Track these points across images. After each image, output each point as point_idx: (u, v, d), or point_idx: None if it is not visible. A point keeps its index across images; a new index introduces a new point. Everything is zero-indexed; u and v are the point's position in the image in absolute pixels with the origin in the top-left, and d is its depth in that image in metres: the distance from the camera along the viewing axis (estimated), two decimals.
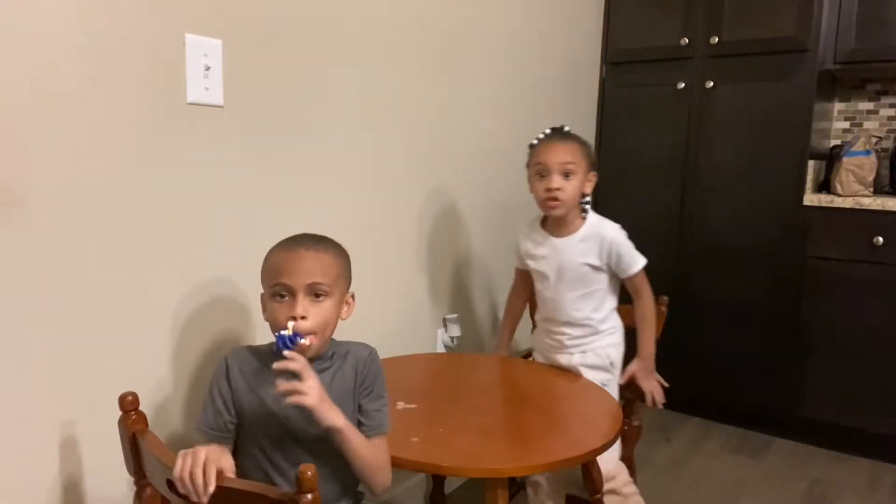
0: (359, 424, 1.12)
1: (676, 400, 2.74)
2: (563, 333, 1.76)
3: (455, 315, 2.13)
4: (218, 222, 1.39)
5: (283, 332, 1.06)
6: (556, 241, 1.72)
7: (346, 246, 1.18)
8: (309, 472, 0.80)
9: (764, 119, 2.51)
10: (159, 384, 1.32)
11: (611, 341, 1.75)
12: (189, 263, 1.34)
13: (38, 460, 1.14)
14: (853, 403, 2.42)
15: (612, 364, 1.74)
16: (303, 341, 1.07)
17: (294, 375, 1.03)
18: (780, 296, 2.52)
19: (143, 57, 1.22)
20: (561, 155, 1.63)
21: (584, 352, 1.74)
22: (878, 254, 2.33)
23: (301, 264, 1.08)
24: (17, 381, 1.10)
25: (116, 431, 1.03)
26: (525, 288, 1.89)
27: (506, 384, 1.74)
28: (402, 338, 1.94)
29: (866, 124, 2.76)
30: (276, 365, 1.03)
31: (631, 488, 1.69)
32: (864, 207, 2.34)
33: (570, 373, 1.73)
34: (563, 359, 1.77)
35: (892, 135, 2.70)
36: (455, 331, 2.11)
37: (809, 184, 2.49)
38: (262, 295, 1.15)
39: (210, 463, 0.88)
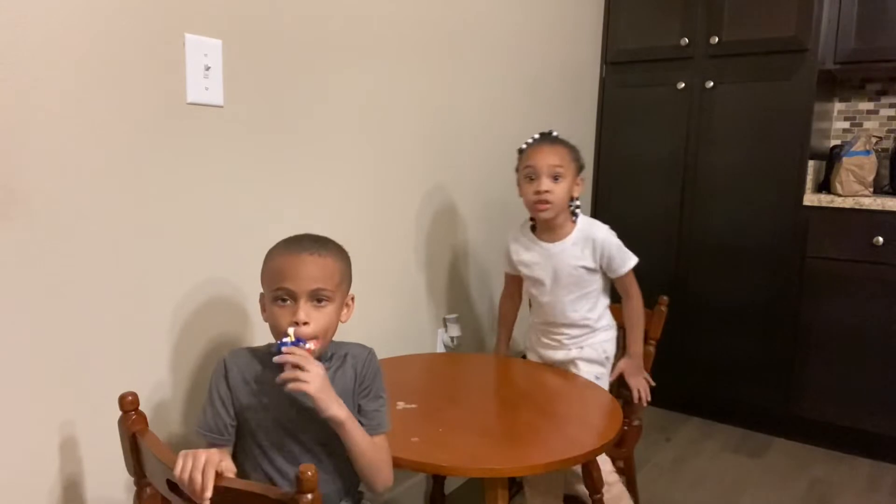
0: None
1: (676, 400, 2.78)
2: (562, 334, 1.79)
3: (455, 315, 2.13)
4: (218, 222, 1.39)
5: (285, 340, 1.06)
6: (549, 247, 1.74)
7: (346, 246, 1.18)
8: (309, 472, 0.80)
9: (764, 119, 2.51)
10: (159, 384, 1.32)
11: (606, 337, 1.80)
12: (189, 263, 1.34)
13: (38, 460, 1.15)
14: (853, 403, 2.42)
15: (607, 358, 1.79)
16: (307, 346, 1.07)
17: (296, 368, 1.03)
18: (780, 296, 2.52)
19: (143, 57, 1.22)
20: (550, 158, 1.66)
21: (581, 347, 1.78)
22: (878, 254, 2.33)
23: (304, 269, 1.08)
24: (17, 382, 1.10)
25: (116, 431, 1.03)
26: (517, 291, 1.90)
27: (506, 384, 1.74)
28: (402, 338, 1.94)
29: (866, 124, 2.76)
30: (277, 358, 1.03)
31: (613, 477, 1.70)
32: (864, 207, 2.34)
33: (570, 373, 1.74)
34: (561, 354, 1.79)
35: (892, 135, 2.70)
36: (455, 331, 2.11)
37: (809, 184, 2.49)
38: (262, 295, 1.15)
39: (209, 465, 0.88)
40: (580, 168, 1.72)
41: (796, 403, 2.54)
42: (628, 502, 1.73)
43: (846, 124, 2.80)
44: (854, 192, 2.42)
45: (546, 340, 1.83)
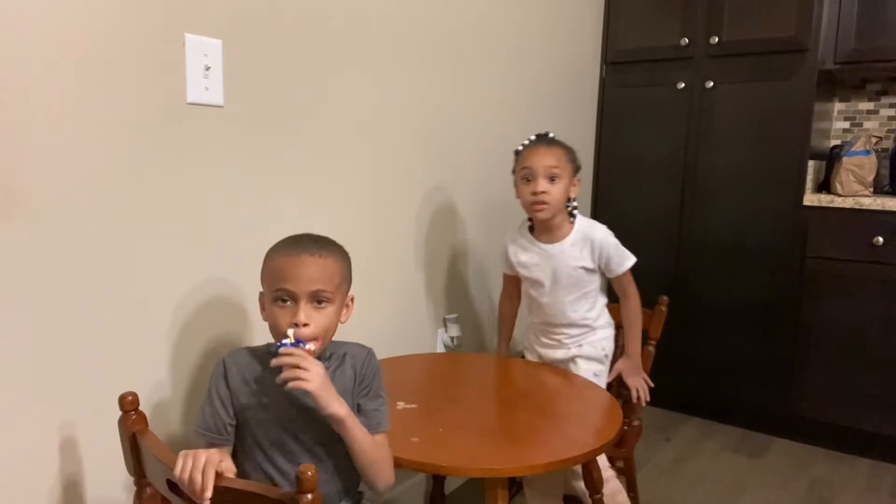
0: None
1: (676, 400, 2.78)
2: (562, 333, 1.80)
3: (455, 315, 2.13)
4: (217, 222, 1.39)
5: (284, 342, 1.06)
6: (548, 248, 1.74)
7: (346, 246, 1.18)
8: (309, 472, 0.80)
9: (764, 119, 2.51)
10: (159, 384, 1.32)
11: (605, 335, 1.82)
12: (188, 263, 1.34)
13: (38, 460, 1.15)
14: (853, 403, 2.42)
15: (605, 356, 1.81)
16: (307, 347, 1.07)
17: (295, 368, 1.03)
18: (780, 296, 2.52)
19: (143, 57, 1.22)
20: (546, 159, 1.66)
21: (580, 345, 1.79)
22: (878, 254, 2.33)
23: (304, 271, 1.08)
24: (17, 382, 1.10)
25: (116, 431, 1.03)
26: (516, 292, 1.91)
27: (506, 384, 1.74)
28: (403, 338, 1.94)
29: (866, 124, 2.76)
30: (274, 361, 1.03)
31: (609, 472, 1.70)
32: (864, 207, 2.34)
33: (570, 373, 1.74)
34: (560, 353, 1.81)
35: (892, 135, 2.70)
36: (455, 331, 2.11)
37: (809, 184, 2.49)
38: (261, 294, 1.15)
39: (209, 466, 0.88)
40: (577, 169, 1.73)
41: (796, 403, 2.54)
42: (624, 498, 1.73)
43: (846, 124, 2.80)
44: (854, 192, 2.42)
45: (545, 340, 1.84)
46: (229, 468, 0.99)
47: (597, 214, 2.91)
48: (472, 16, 2.07)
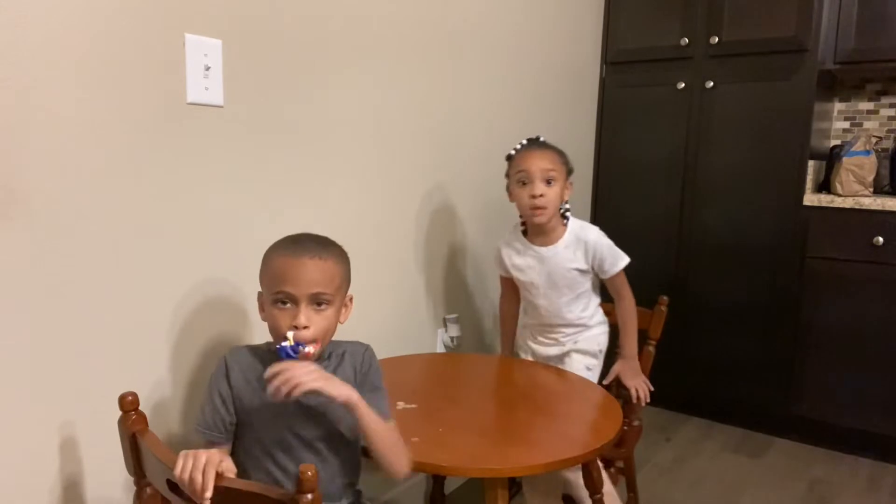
0: None
1: (676, 400, 2.77)
2: (559, 332, 1.83)
3: (455, 315, 2.13)
4: (217, 222, 1.39)
5: (284, 344, 1.06)
6: (542, 251, 1.76)
7: (345, 246, 1.18)
8: (309, 472, 0.80)
9: (764, 119, 2.51)
10: (159, 384, 1.32)
11: (600, 331, 1.85)
12: (188, 263, 1.34)
13: (38, 460, 1.15)
14: (853, 403, 2.42)
15: (600, 351, 1.84)
16: (307, 350, 1.07)
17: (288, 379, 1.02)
18: (780, 296, 2.52)
19: (143, 57, 1.22)
20: (542, 162, 1.68)
21: (575, 341, 1.82)
22: (878, 254, 2.33)
23: (305, 273, 1.08)
24: (17, 382, 1.10)
25: (116, 431, 1.03)
26: (514, 293, 1.92)
27: (506, 384, 1.74)
28: (402, 338, 1.94)
29: (866, 124, 2.76)
30: (267, 375, 1.03)
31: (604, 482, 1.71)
32: (864, 207, 2.34)
33: (570, 373, 1.74)
34: (555, 350, 1.84)
35: (892, 135, 2.70)
36: (455, 331, 2.12)
37: (809, 184, 2.49)
38: (260, 294, 1.15)
39: (210, 466, 0.88)
40: (570, 172, 1.75)
41: (796, 403, 2.54)
42: (617, 501, 1.73)
43: (846, 124, 2.80)
44: (854, 192, 2.42)
45: (542, 339, 1.87)
46: (229, 468, 0.99)
47: (597, 214, 2.92)
48: (472, 16, 2.07)
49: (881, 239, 2.31)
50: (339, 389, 1.04)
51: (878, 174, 2.48)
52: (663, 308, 1.84)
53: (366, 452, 1.20)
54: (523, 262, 1.80)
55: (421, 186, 1.97)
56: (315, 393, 1.03)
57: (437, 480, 1.87)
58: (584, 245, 1.73)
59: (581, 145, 2.81)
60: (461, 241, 2.18)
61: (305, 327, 1.07)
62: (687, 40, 2.63)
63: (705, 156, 2.65)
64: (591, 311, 1.82)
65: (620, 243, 1.78)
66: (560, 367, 1.79)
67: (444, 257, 2.11)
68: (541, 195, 1.66)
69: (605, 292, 1.86)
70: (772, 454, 2.50)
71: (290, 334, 1.06)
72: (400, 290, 1.94)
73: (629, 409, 1.72)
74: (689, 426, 2.72)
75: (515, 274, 1.82)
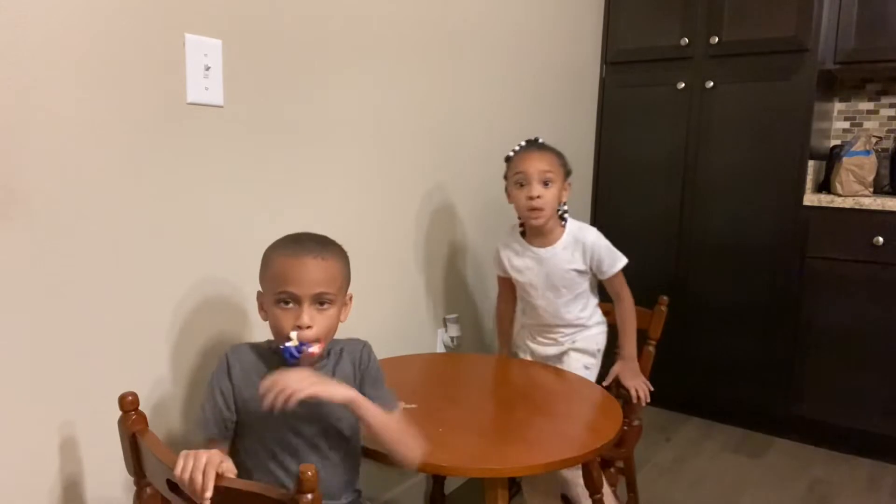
0: None
1: (676, 400, 2.77)
2: (558, 332, 1.84)
3: (455, 315, 2.13)
4: (217, 222, 1.39)
5: (288, 345, 1.06)
6: (540, 252, 1.77)
7: (345, 246, 1.18)
8: (309, 472, 0.80)
9: (764, 119, 2.51)
10: (159, 384, 1.32)
11: (598, 331, 1.86)
12: (188, 263, 1.34)
13: (38, 460, 1.15)
14: (853, 403, 2.42)
15: (598, 350, 1.85)
16: (311, 350, 1.07)
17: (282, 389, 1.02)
18: (780, 296, 2.52)
19: (143, 57, 1.22)
20: (539, 164, 1.69)
21: (574, 341, 1.83)
22: (878, 254, 2.33)
23: (307, 274, 1.08)
24: (17, 382, 1.10)
25: (116, 431, 1.03)
26: (511, 293, 1.93)
27: (506, 384, 1.74)
28: (402, 338, 1.94)
29: (866, 124, 2.76)
30: (261, 390, 1.02)
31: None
32: (864, 207, 2.34)
33: (570, 373, 1.74)
34: (553, 349, 1.84)
35: (892, 135, 2.70)
36: (455, 331, 2.12)
37: (809, 184, 2.49)
38: (260, 293, 1.15)
39: (210, 466, 0.88)
40: (567, 173, 1.76)
41: (796, 403, 2.54)
42: (614, 501, 1.73)
43: (846, 124, 2.80)
44: (854, 192, 2.42)
45: (540, 339, 1.88)
46: (230, 469, 0.99)
47: (597, 214, 2.92)
48: (472, 16, 2.07)
49: (881, 239, 2.31)
50: (337, 391, 1.05)
51: (878, 174, 2.48)
52: (663, 308, 1.84)
53: (366, 452, 1.21)
54: (522, 263, 1.80)
55: (421, 186, 1.97)
56: (313, 398, 1.03)
57: (437, 480, 1.87)
58: (582, 246, 1.74)
59: (581, 145, 2.81)
60: (461, 240, 2.18)
61: (309, 327, 1.08)
62: (687, 40, 2.63)
63: (705, 156, 2.65)
64: (589, 311, 1.83)
65: (620, 243, 1.78)
66: (558, 365, 1.80)
67: (444, 257, 2.11)
68: (538, 197, 1.67)
69: (604, 292, 1.86)
70: (772, 454, 2.50)
71: (293, 334, 1.07)
72: (400, 290, 1.94)
73: (629, 409, 1.72)
74: (689, 426, 2.72)
75: (514, 275, 1.83)
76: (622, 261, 1.76)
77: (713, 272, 2.66)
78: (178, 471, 0.89)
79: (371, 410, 1.08)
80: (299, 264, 1.08)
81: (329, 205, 1.66)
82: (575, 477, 1.69)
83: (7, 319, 1.08)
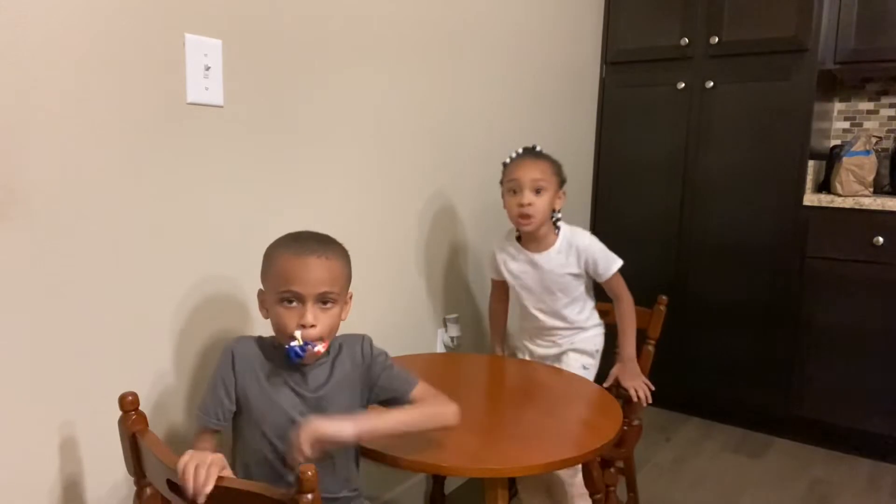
0: (393, 399, 1.18)
1: (676, 400, 2.77)
2: (555, 335, 1.85)
3: (455, 315, 2.13)
4: (217, 221, 1.39)
5: (293, 344, 1.07)
6: (535, 256, 1.79)
7: (346, 246, 1.18)
8: (309, 472, 0.80)
9: (764, 119, 2.51)
10: (159, 384, 1.32)
11: (595, 332, 1.88)
12: (189, 262, 1.34)
13: (38, 460, 1.15)
14: (854, 403, 2.42)
15: (596, 351, 1.87)
16: (315, 349, 1.08)
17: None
18: (780, 296, 2.52)
19: (143, 57, 1.22)
20: (532, 172, 1.70)
21: (572, 342, 1.85)
22: (878, 254, 2.33)
23: (311, 273, 1.09)
24: (17, 382, 1.10)
25: (116, 431, 1.03)
26: (504, 295, 1.94)
27: (505, 384, 1.74)
28: (402, 338, 1.94)
29: (866, 124, 2.76)
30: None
31: (579, 478, 1.71)
32: (864, 207, 2.34)
33: (570, 373, 1.75)
34: (552, 350, 1.86)
35: (892, 135, 2.70)
36: (455, 331, 2.12)
37: (809, 184, 2.49)
38: (261, 291, 1.16)
39: (214, 466, 0.89)
40: (562, 182, 1.77)
41: (796, 403, 2.53)
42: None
43: (846, 124, 2.80)
44: (854, 192, 2.42)
45: (539, 341, 1.89)
46: (230, 475, 1.00)
47: (596, 214, 2.91)
48: (472, 16, 2.07)
49: (881, 239, 2.31)
50: (341, 430, 1.06)
51: (878, 174, 2.48)
52: (662, 308, 1.84)
53: (366, 452, 1.21)
54: (518, 267, 1.82)
55: (421, 186, 1.97)
56: (334, 443, 1.06)
57: (437, 480, 1.87)
58: (576, 250, 1.76)
59: (581, 145, 2.81)
60: (461, 241, 2.18)
61: (313, 326, 1.08)
62: (687, 40, 2.63)
63: (705, 156, 2.65)
64: (586, 313, 1.85)
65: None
66: (557, 365, 1.81)
67: (444, 257, 2.11)
68: (528, 204, 1.69)
69: (604, 292, 1.86)
70: (772, 454, 2.50)
71: (297, 333, 1.07)
72: (400, 290, 1.94)
73: (629, 409, 1.72)
74: (689, 426, 2.72)
75: (510, 279, 1.85)
76: (617, 263, 1.77)
77: (713, 272, 2.66)
78: (180, 465, 0.89)
79: (386, 427, 1.11)
80: (303, 263, 1.09)
81: (329, 205, 1.66)
82: (569, 477, 1.69)
83: (7, 319, 1.08)
